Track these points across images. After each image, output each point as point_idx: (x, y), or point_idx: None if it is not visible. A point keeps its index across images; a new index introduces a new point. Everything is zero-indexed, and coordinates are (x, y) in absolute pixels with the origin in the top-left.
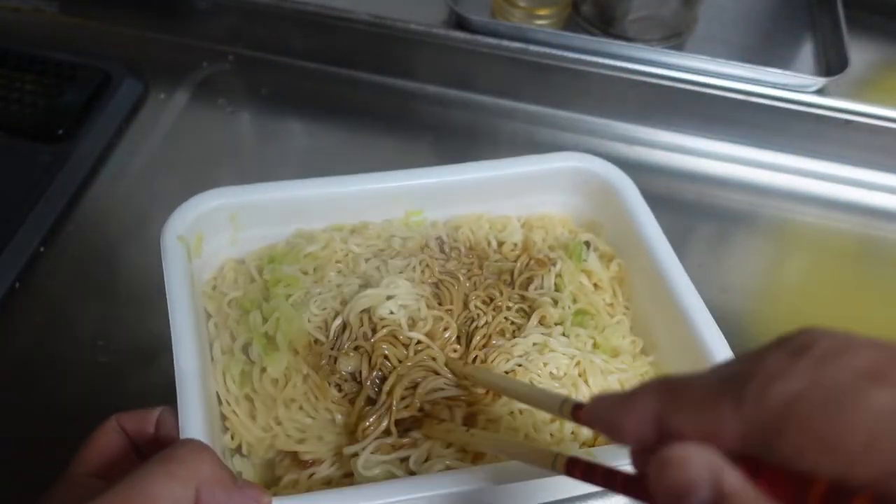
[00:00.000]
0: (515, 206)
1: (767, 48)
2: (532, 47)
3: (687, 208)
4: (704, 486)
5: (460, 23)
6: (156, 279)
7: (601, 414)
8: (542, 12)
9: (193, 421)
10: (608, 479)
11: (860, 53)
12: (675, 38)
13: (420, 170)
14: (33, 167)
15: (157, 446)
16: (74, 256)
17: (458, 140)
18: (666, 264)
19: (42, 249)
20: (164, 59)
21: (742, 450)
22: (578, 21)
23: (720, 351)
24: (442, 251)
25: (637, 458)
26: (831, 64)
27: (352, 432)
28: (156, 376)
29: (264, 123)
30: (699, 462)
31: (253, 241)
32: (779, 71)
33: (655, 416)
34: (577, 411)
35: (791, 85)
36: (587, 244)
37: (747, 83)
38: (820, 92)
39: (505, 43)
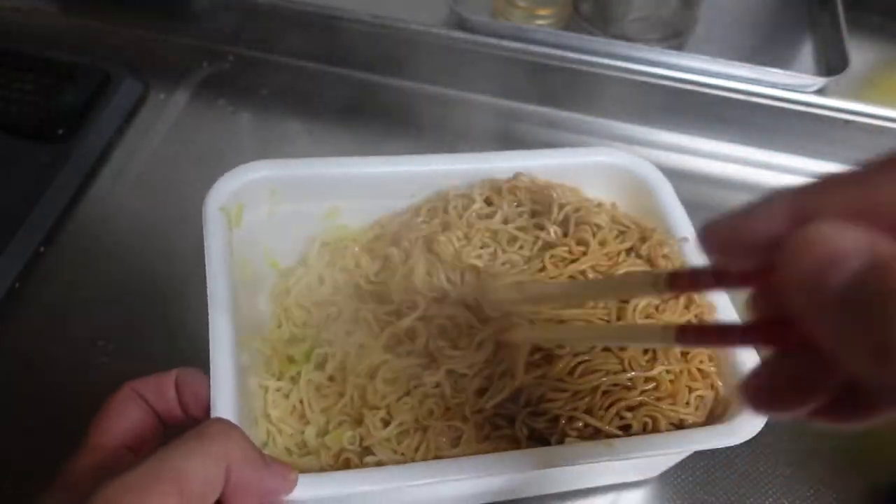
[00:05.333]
0: None
1: (767, 48)
2: (532, 47)
3: (687, 208)
4: (853, 254)
5: (460, 23)
6: (156, 278)
7: (722, 227)
8: (543, 12)
9: (225, 398)
10: (724, 335)
11: (860, 53)
12: (675, 38)
13: (459, 155)
14: (33, 167)
15: (182, 410)
16: (74, 256)
17: (458, 140)
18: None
19: (42, 249)
20: (164, 59)
21: None
22: (578, 21)
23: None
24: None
25: (757, 302)
26: (831, 64)
27: None
28: None
29: (264, 123)
30: (847, 233)
31: (289, 216)
32: (779, 71)
33: (791, 207)
34: (674, 279)
35: (791, 85)
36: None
37: (747, 83)
38: (820, 92)
39: (505, 43)
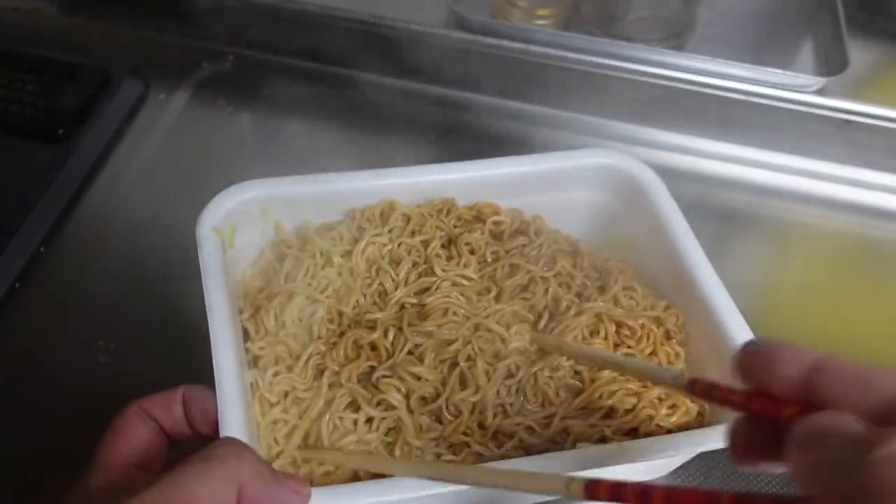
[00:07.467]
0: (541, 202)
1: (767, 48)
2: (532, 47)
3: (687, 208)
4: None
5: (460, 23)
6: (156, 278)
7: (754, 355)
8: (543, 12)
9: (233, 417)
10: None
11: (860, 53)
12: (675, 38)
13: (451, 164)
14: (33, 167)
15: (190, 427)
16: (74, 256)
17: (458, 140)
18: (694, 262)
19: (42, 249)
20: (164, 59)
21: None
22: (579, 21)
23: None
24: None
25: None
26: (831, 64)
27: None
28: (156, 375)
29: (264, 123)
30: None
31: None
32: (779, 71)
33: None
34: (694, 385)
35: (791, 85)
36: None
37: (747, 83)
38: (820, 92)
39: (505, 43)
